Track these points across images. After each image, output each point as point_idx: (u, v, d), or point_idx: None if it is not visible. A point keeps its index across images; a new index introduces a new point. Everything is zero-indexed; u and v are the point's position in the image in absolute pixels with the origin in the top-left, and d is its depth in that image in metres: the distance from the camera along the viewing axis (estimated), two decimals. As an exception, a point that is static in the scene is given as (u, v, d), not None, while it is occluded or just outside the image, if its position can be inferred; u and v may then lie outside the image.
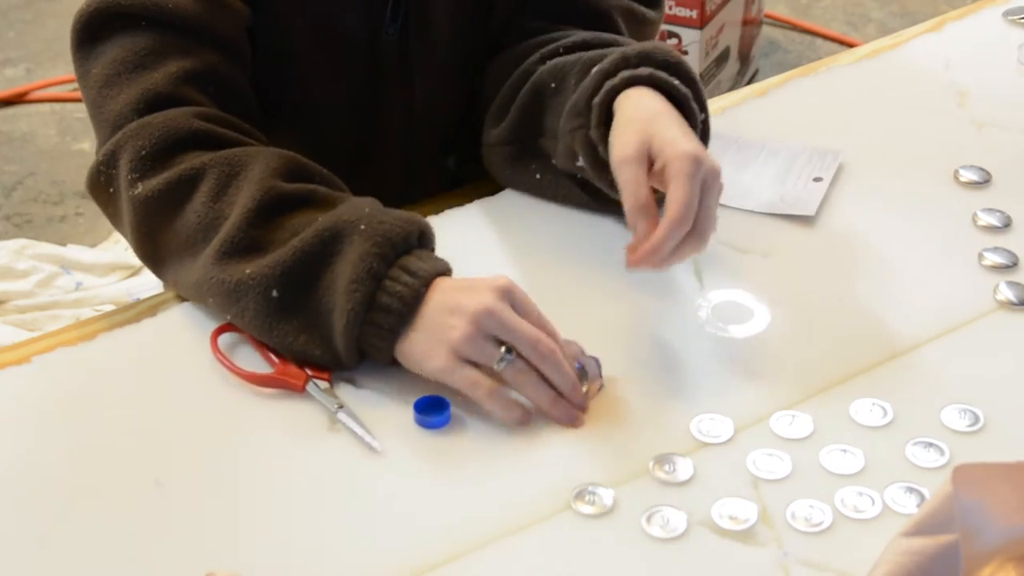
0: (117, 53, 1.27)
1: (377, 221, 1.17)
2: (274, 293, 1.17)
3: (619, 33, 1.40)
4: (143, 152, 1.23)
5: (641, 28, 1.44)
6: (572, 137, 1.29)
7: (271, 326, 1.18)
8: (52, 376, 1.21)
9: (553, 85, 1.32)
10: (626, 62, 1.27)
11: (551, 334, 1.16)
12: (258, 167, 1.22)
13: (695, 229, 1.18)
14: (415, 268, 1.16)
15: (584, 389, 1.16)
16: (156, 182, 1.22)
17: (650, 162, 1.21)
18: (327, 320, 1.17)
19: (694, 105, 1.26)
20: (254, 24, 1.33)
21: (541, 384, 1.15)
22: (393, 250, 1.16)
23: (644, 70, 1.25)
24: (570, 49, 1.35)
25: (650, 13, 1.44)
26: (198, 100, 1.27)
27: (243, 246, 1.19)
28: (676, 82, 1.26)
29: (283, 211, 1.20)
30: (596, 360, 1.18)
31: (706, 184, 1.18)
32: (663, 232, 1.17)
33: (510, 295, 1.15)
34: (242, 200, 1.20)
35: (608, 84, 1.26)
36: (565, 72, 1.32)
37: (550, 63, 1.35)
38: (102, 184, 1.27)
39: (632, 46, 1.29)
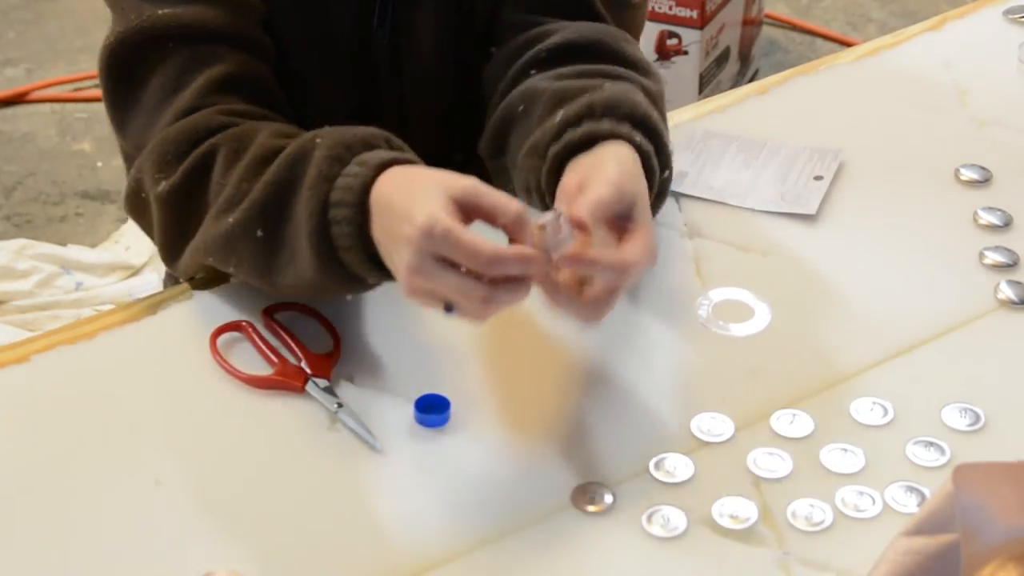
0: (155, 81, 1.26)
1: (336, 133, 1.15)
2: (259, 233, 1.16)
3: (601, 20, 1.37)
4: (168, 156, 1.22)
5: (625, 11, 1.41)
6: (528, 175, 1.24)
7: (268, 267, 1.17)
8: (51, 375, 1.21)
9: (521, 108, 1.29)
10: (591, 111, 1.21)
11: (488, 259, 1.05)
12: (264, 133, 1.20)
13: (614, 283, 1.10)
14: (367, 159, 1.12)
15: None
16: (177, 176, 1.21)
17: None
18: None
19: (655, 162, 1.22)
20: None
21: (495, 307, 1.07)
22: (349, 151, 1.12)
23: (606, 124, 1.20)
24: (553, 53, 1.32)
25: None
26: (229, 103, 1.25)
27: (236, 200, 1.17)
28: (639, 138, 1.20)
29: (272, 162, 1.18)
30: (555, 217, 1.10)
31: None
32: (610, 259, 1.09)
33: (433, 243, 1.05)
34: (242, 164, 1.19)
35: (568, 136, 1.20)
36: (534, 99, 1.28)
37: (524, 83, 1.31)
38: (135, 195, 1.26)
39: (600, 92, 1.23)
